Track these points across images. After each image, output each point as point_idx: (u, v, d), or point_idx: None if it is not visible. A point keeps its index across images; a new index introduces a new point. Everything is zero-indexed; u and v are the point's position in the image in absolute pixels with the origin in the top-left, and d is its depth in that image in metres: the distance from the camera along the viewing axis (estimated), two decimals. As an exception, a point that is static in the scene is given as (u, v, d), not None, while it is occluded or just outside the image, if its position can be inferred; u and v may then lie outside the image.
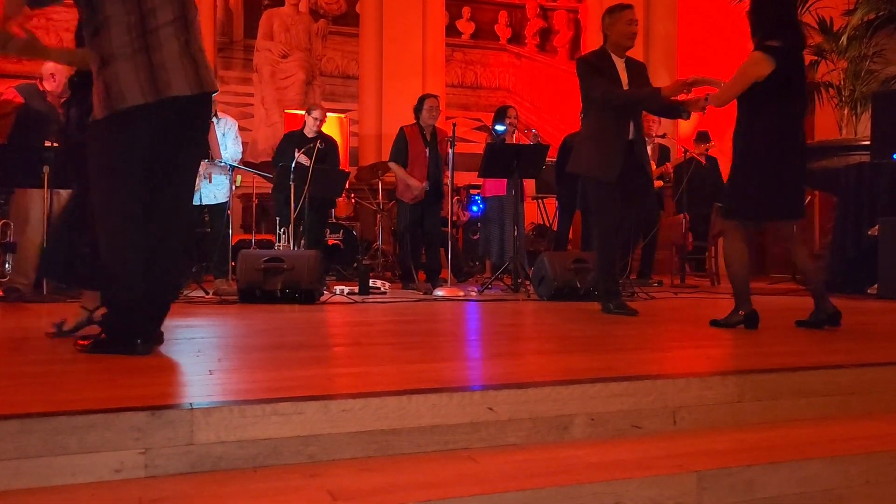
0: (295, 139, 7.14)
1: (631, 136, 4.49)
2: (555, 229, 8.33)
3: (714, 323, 3.78)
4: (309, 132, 7.20)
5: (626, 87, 4.51)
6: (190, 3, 2.82)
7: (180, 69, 2.67)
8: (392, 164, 7.00)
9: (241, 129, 6.99)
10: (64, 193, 5.57)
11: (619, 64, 4.57)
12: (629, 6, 4.60)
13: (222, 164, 6.30)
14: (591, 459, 1.93)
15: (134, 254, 2.63)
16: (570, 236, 7.93)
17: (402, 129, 7.01)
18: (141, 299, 2.63)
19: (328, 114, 11.04)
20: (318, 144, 6.52)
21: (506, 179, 6.93)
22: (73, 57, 3.24)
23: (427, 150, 6.83)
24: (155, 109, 2.62)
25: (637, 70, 4.65)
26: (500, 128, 7.17)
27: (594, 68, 4.56)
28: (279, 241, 7.00)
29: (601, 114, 4.53)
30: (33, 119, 5.44)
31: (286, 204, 6.55)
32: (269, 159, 7.51)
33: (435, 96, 7.09)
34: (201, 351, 2.84)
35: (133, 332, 2.63)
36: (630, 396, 2.16)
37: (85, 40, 2.75)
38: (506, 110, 7.38)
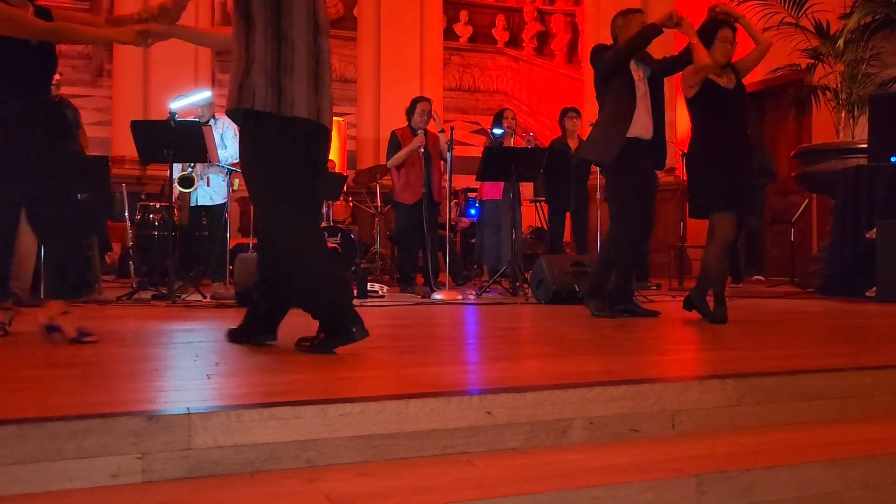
0: None
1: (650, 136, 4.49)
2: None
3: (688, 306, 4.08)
4: None
5: (636, 91, 4.48)
6: None
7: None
8: (390, 161, 6.98)
9: (237, 132, 6.98)
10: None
11: (631, 64, 4.54)
12: (641, 10, 4.63)
13: (220, 166, 6.29)
14: (590, 463, 1.92)
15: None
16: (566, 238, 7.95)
17: (393, 132, 7.02)
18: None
19: (326, 117, 11.09)
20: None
21: (502, 184, 6.94)
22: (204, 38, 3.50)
23: (421, 152, 6.82)
24: None
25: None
26: (497, 131, 7.18)
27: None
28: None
29: (615, 96, 4.46)
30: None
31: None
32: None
33: (427, 100, 7.08)
34: (199, 355, 2.83)
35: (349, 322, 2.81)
36: (629, 400, 2.16)
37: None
38: (503, 113, 7.40)
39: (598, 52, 4.62)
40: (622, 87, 4.44)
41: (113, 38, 3.29)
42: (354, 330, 2.81)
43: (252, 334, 3.08)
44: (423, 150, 6.75)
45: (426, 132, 6.94)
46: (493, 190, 7.27)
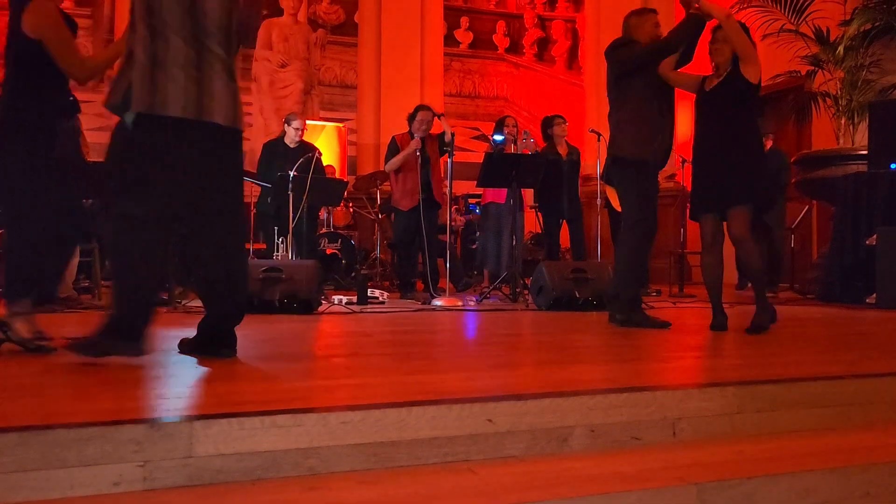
0: (279, 149, 7.13)
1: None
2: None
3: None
4: (290, 142, 7.18)
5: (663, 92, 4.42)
6: None
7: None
8: (387, 165, 6.99)
9: (238, 138, 7.00)
10: None
11: None
12: (655, 11, 4.58)
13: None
14: (591, 471, 1.93)
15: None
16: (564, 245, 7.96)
17: (393, 137, 7.04)
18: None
19: (326, 123, 11.13)
20: (315, 154, 6.52)
21: (506, 189, 6.96)
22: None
23: (419, 158, 6.83)
24: None
25: None
26: (498, 137, 7.19)
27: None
28: (277, 251, 7.00)
29: (640, 94, 4.34)
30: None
31: (279, 214, 6.56)
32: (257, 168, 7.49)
33: (429, 109, 7.08)
34: (199, 362, 2.83)
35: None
36: (630, 408, 2.16)
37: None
38: (505, 120, 7.42)
39: (625, 45, 4.42)
40: (654, 85, 4.33)
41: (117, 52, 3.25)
42: (126, 343, 2.65)
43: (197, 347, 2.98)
44: (419, 153, 6.76)
45: (424, 139, 6.94)
46: (497, 193, 7.28)
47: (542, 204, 7.39)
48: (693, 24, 4.12)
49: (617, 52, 4.43)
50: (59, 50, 3.08)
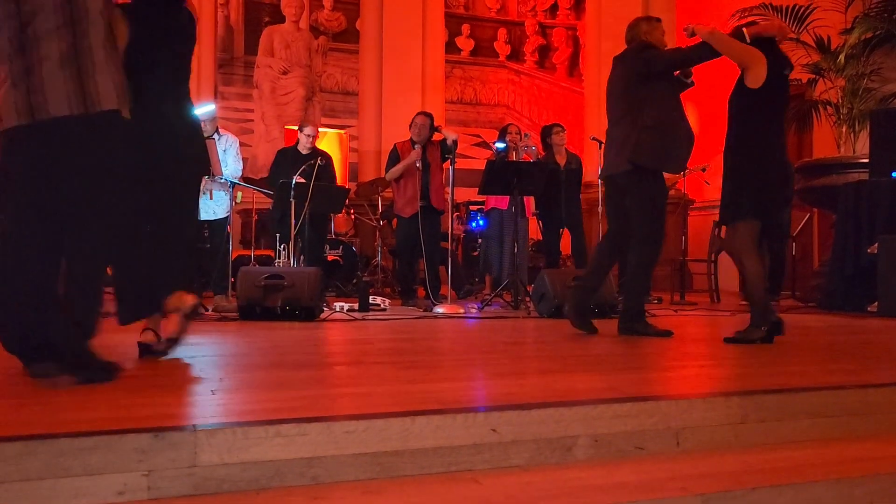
0: (289, 156, 7.14)
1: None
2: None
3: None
4: (303, 148, 7.21)
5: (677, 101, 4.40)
6: None
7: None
8: (388, 174, 7.02)
9: (241, 144, 7.02)
10: None
11: None
12: (660, 20, 4.58)
13: (222, 180, 6.31)
14: (595, 481, 1.92)
15: None
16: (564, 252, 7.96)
17: (395, 145, 7.09)
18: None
19: (328, 130, 11.14)
20: (318, 161, 6.53)
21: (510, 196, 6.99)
22: None
23: (418, 166, 6.84)
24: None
25: None
26: (500, 145, 7.21)
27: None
28: (279, 258, 7.00)
29: (663, 100, 4.26)
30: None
31: (283, 220, 6.56)
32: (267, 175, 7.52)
33: (426, 114, 7.12)
34: (202, 370, 2.83)
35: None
36: (633, 417, 2.16)
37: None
38: (508, 128, 7.44)
39: (649, 48, 4.32)
40: (675, 91, 4.32)
41: None
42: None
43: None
44: (419, 163, 6.78)
45: (426, 146, 6.95)
46: (500, 199, 7.28)
47: (542, 212, 7.40)
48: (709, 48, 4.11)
49: (646, 53, 4.31)
50: None
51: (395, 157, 6.97)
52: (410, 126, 6.97)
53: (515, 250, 6.47)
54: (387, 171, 7.07)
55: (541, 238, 8.74)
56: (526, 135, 7.34)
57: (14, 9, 2.45)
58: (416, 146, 6.85)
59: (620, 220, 4.37)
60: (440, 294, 6.78)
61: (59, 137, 2.47)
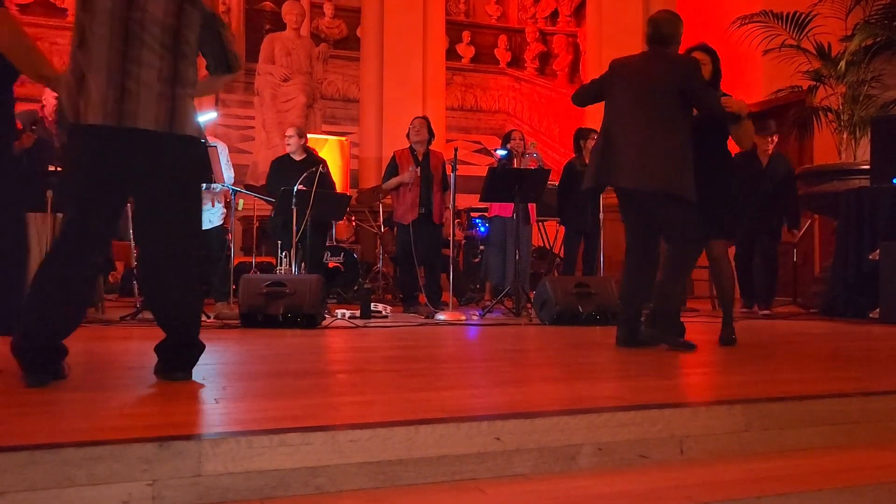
0: (285, 164, 7.15)
1: None
2: (555, 252, 8.32)
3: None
4: (295, 154, 7.22)
5: None
6: None
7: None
8: (384, 185, 7.08)
9: (242, 151, 7.04)
10: None
11: None
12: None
13: (224, 187, 6.32)
14: (599, 490, 1.92)
15: None
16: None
17: (393, 154, 7.13)
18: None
19: (328, 137, 11.16)
20: (319, 169, 6.54)
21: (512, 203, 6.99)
22: None
23: (417, 174, 6.86)
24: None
25: None
26: (502, 152, 7.21)
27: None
28: (280, 265, 7.00)
29: (689, 129, 4.01)
30: (37, 145, 5.46)
31: (284, 228, 6.57)
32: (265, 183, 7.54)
33: (422, 117, 7.16)
34: (206, 378, 2.83)
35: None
36: (637, 426, 2.16)
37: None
38: (511, 134, 7.43)
39: (698, 72, 4.01)
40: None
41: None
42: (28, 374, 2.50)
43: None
44: (418, 171, 6.80)
45: (428, 154, 6.96)
46: (504, 207, 7.26)
47: (565, 218, 7.30)
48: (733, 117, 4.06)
49: (707, 90, 4.02)
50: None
51: (392, 167, 7.01)
52: (408, 134, 7.00)
53: (518, 257, 6.45)
54: (384, 180, 7.12)
55: (542, 245, 8.73)
56: (532, 143, 7.31)
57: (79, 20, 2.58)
58: (416, 152, 6.87)
59: (651, 231, 4.09)
60: (441, 301, 6.78)
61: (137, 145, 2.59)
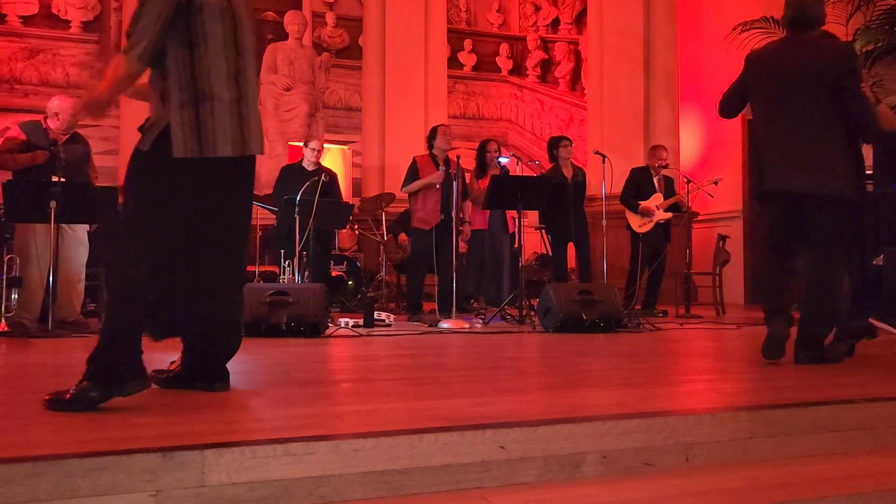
0: (295, 172, 7.15)
1: None
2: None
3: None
4: (308, 165, 7.22)
5: None
6: None
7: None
8: (406, 188, 6.93)
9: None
10: (77, 228, 5.61)
11: None
12: None
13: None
14: (605, 498, 1.92)
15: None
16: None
17: (414, 159, 6.98)
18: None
19: (331, 146, 11.17)
20: (322, 177, 6.55)
21: (488, 213, 7.06)
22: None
23: (444, 173, 6.81)
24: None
25: None
26: (503, 159, 7.23)
27: None
28: (283, 274, 7.01)
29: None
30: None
31: (289, 237, 6.56)
32: (272, 191, 7.55)
33: (447, 126, 7.18)
34: (206, 390, 2.82)
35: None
36: (642, 433, 2.15)
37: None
38: (486, 144, 7.51)
39: (857, 72, 3.66)
40: None
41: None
42: (127, 384, 2.42)
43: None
44: (444, 173, 6.75)
45: (447, 161, 6.86)
46: (480, 219, 7.24)
47: (549, 227, 7.36)
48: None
49: (863, 97, 3.63)
50: None
51: (414, 171, 6.86)
52: (431, 139, 6.95)
53: (502, 268, 6.42)
54: (404, 184, 6.95)
55: (544, 252, 8.73)
56: (535, 161, 7.40)
57: (187, 54, 2.56)
58: (439, 160, 6.81)
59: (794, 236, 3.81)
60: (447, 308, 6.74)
61: (212, 173, 2.63)
